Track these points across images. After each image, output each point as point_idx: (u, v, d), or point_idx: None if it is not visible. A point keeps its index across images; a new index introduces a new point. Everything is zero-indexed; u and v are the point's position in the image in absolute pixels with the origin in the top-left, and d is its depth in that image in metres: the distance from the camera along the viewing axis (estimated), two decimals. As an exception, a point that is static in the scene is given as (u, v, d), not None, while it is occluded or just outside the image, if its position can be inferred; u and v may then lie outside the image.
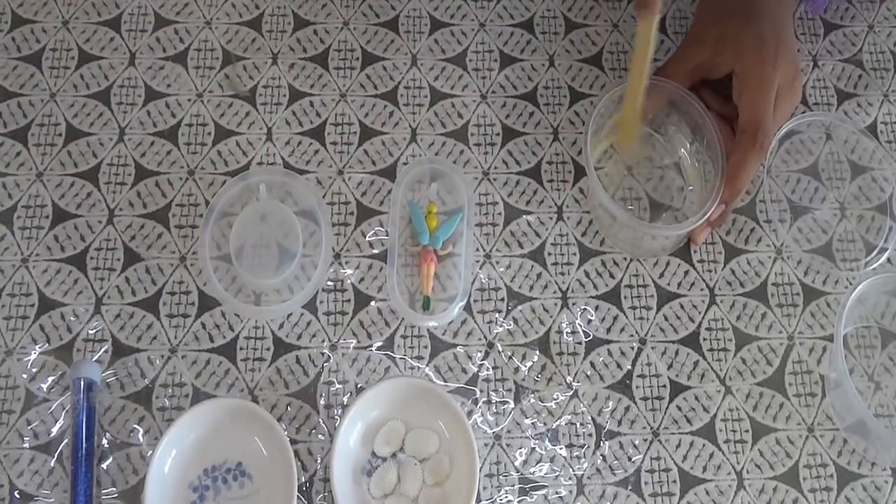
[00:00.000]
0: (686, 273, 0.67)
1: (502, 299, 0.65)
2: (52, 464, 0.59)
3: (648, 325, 0.65)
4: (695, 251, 0.67)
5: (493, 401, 0.63)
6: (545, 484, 0.61)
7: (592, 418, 0.62)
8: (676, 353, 0.65)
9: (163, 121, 0.69)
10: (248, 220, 0.65)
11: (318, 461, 0.60)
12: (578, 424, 0.62)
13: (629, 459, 0.62)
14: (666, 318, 0.65)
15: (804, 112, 0.72)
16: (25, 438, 0.60)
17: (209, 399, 0.61)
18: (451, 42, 0.73)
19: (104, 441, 0.60)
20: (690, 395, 0.64)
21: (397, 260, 0.64)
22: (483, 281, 0.66)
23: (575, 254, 0.67)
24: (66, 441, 0.60)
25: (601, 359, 0.64)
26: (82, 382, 0.59)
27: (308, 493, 0.60)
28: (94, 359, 0.62)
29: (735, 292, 0.67)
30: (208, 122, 0.69)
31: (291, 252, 0.64)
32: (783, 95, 0.65)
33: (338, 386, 0.62)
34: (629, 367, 0.64)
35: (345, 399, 0.62)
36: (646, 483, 0.61)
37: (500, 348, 0.64)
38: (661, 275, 0.67)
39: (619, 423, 0.62)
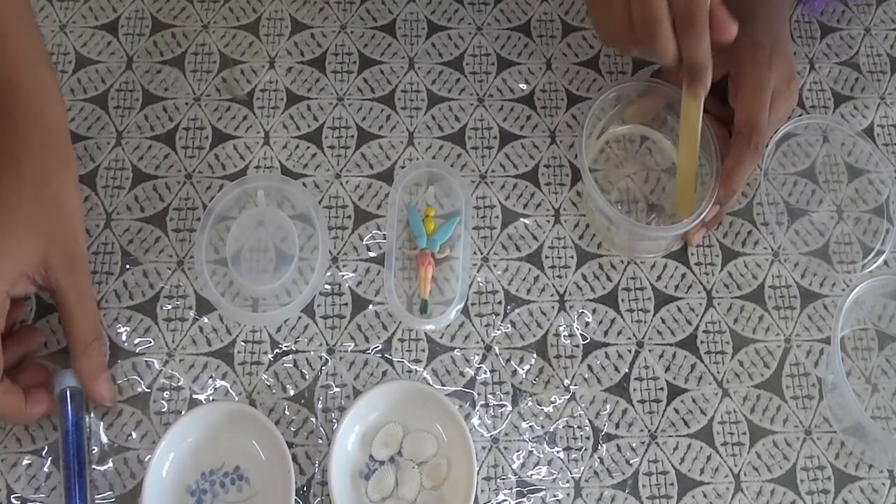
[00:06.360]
0: (683, 276, 0.67)
1: (500, 302, 0.65)
2: (47, 468, 0.59)
3: (646, 328, 0.65)
4: (692, 254, 0.67)
5: (491, 404, 0.63)
6: (543, 487, 0.61)
7: (590, 421, 0.62)
8: (674, 355, 0.65)
9: (160, 124, 0.69)
10: (246, 224, 0.65)
11: (316, 465, 0.60)
12: (576, 427, 0.62)
13: (627, 462, 0.62)
14: (663, 321, 0.65)
15: (801, 115, 0.72)
16: (22, 442, 0.60)
17: (207, 403, 0.61)
18: (449, 45, 0.73)
19: (102, 444, 0.60)
20: (688, 397, 0.64)
21: (395, 263, 0.64)
22: (480, 284, 0.66)
23: (572, 257, 0.67)
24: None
25: (598, 362, 0.64)
26: (68, 392, 0.58)
27: (306, 497, 0.59)
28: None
29: (732, 295, 0.67)
30: (206, 126, 0.69)
31: (289, 256, 0.64)
32: (779, 97, 0.65)
33: (335, 389, 0.62)
34: (626, 369, 0.64)
35: (342, 402, 0.62)
36: (643, 486, 0.61)
37: (498, 351, 0.64)
38: (659, 277, 0.67)
39: (617, 425, 0.62)
